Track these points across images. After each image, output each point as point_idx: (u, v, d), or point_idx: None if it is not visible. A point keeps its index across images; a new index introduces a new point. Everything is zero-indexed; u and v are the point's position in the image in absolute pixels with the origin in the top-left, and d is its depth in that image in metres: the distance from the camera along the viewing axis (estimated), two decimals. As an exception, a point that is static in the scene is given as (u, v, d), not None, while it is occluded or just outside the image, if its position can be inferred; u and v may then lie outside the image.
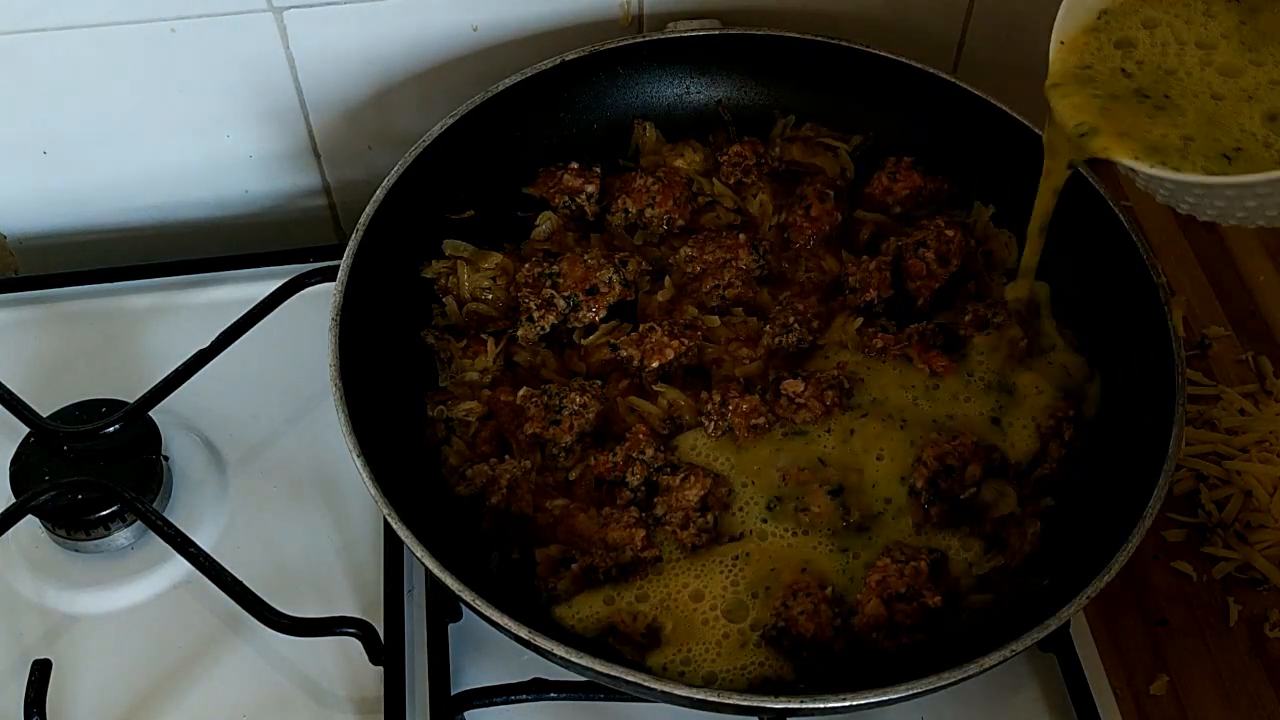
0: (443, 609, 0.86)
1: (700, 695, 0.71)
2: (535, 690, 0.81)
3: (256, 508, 0.93)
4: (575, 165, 0.97)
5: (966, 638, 0.76)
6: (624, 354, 0.88)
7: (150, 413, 0.92)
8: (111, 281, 1.05)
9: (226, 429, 0.97)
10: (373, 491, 0.75)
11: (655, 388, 0.87)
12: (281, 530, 0.92)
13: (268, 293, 0.98)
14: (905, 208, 0.96)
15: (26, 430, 0.91)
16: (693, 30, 1.00)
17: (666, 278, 0.92)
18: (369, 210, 0.88)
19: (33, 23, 0.94)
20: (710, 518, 0.81)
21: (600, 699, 0.82)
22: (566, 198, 0.96)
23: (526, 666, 0.82)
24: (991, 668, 0.71)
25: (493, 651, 0.86)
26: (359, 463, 0.76)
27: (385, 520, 0.77)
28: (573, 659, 0.71)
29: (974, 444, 0.83)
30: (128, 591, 0.89)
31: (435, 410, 0.87)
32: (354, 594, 0.89)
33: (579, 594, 0.79)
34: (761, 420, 0.84)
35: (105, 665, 0.85)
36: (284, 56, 0.99)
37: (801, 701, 0.70)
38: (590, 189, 0.96)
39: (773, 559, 0.80)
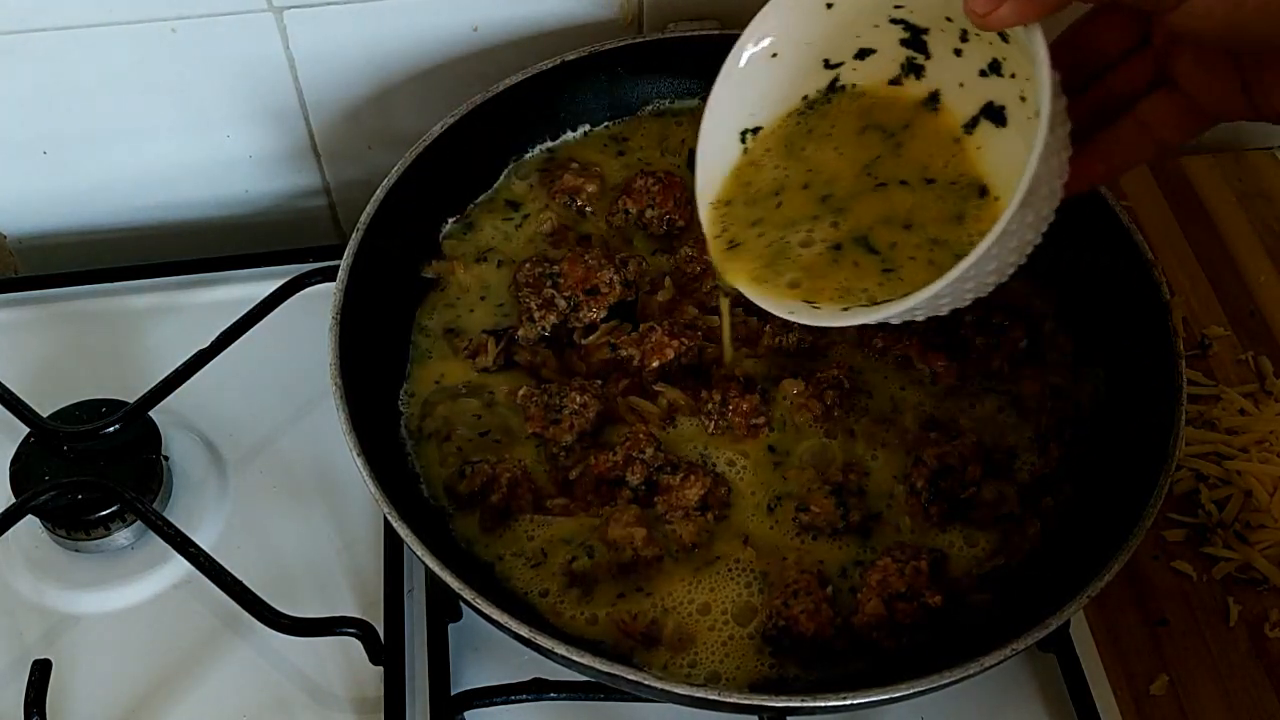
0: (443, 609, 0.86)
1: (701, 694, 0.71)
2: (535, 690, 0.81)
3: (256, 508, 0.93)
4: (575, 165, 0.97)
5: (966, 637, 0.76)
6: (624, 354, 0.88)
7: (150, 413, 0.92)
8: (111, 281, 1.05)
9: (226, 429, 0.97)
10: (373, 490, 0.75)
11: (655, 387, 0.87)
12: (281, 530, 0.92)
13: (268, 293, 0.98)
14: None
15: (26, 430, 0.91)
16: (693, 30, 1.00)
17: (666, 278, 0.92)
18: (369, 210, 0.88)
19: (33, 23, 0.94)
20: (710, 517, 0.81)
21: (600, 699, 0.82)
22: (566, 197, 0.96)
23: (526, 666, 0.82)
24: (991, 667, 0.71)
25: (493, 651, 0.86)
26: (359, 462, 0.76)
27: (385, 520, 0.77)
28: (573, 657, 0.71)
29: (974, 444, 0.83)
30: (128, 591, 0.89)
31: (435, 410, 0.87)
32: (354, 594, 0.89)
33: (574, 590, 0.79)
34: (761, 420, 0.84)
35: (105, 665, 0.85)
36: (284, 56, 1.00)
37: (802, 700, 0.70)
38: (591, 189, 0.96)
39: (773, 558, 0.80)
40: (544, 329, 0.89)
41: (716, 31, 1.00)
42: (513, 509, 0.82)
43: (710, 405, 0.85)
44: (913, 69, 0.77)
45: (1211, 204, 1.13)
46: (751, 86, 0.77)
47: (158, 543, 0.87)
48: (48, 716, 0.79)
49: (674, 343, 0.87)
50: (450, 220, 0.96)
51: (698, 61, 1.00)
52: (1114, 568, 0.73)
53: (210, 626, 0.87)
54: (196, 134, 1.05)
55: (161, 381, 0.93)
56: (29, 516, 0.88)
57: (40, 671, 0.80)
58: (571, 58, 0.97)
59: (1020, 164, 0.63)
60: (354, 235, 0.87)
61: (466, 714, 0.83)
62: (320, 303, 0.87)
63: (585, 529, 0.81)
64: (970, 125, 0.76)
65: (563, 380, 0.87)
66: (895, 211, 0.75)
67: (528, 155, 0.99)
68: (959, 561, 0.81)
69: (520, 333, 0.90)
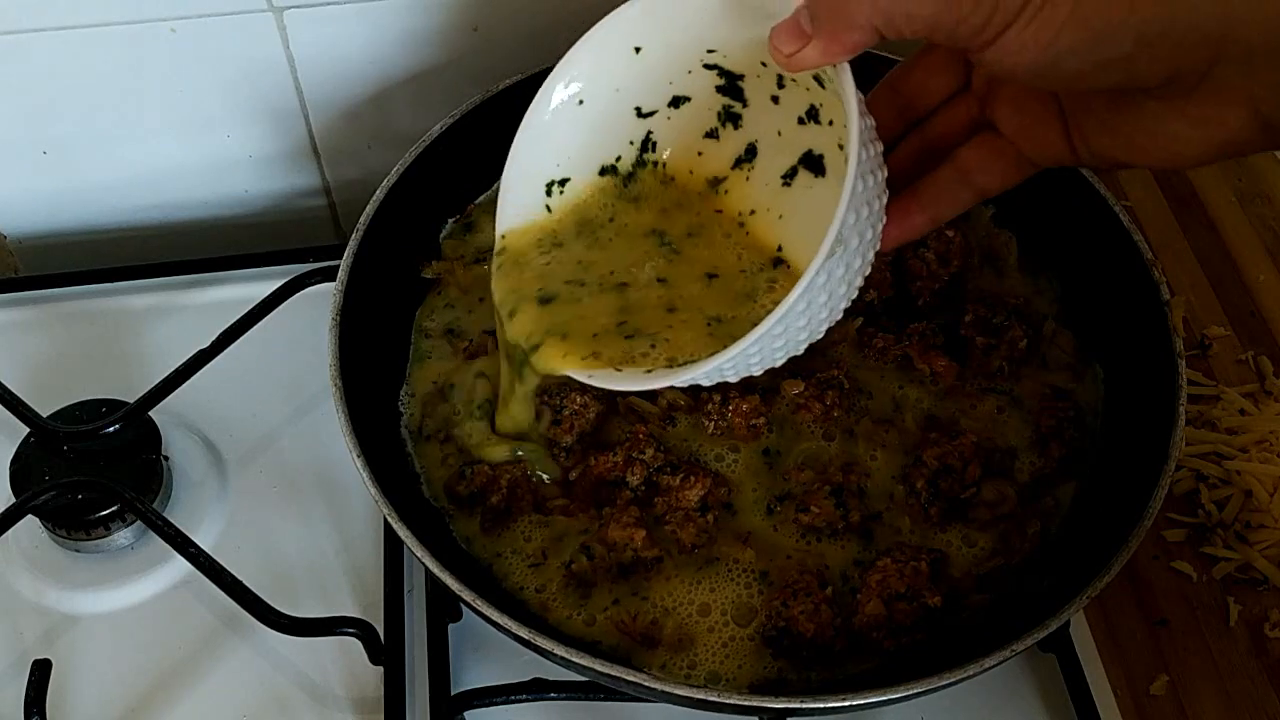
0: (443, 609, 0.86)
1: (700, 695, 0.71)
2: (535, 690, 0.81)
3: (256, 508, 0.93)
4: (575, 165, 0.97)
5: (966, 638, 0.76)
6: (624, 354, 0.88)
7: (150, 413, 0.92)
8: (111, 281, 1.05)
9: (226, 429, 0.97)
10: (373, 491, 0.75)
11: (655, 387, 0.87)
12: (281, 530, 0.92)
13: (268, 293, 0.98)
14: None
15: (26, 430, 0.91)
16: (693, 30, 1.00)
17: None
18: (369, 210, 0.88)
19: (32, 23, 0.94)
20: (710, 518, 0.81)
21: (600, 699, 0.82)
22: (566, 198, 0.96)
23: (526, 666, 0.82)
24: (991, 668, 0.71)
25: (493, 651, 0.86)
26: (359, 463, 0.76)
27: (385, 520, 0.77)
28: (573, 659, 0.71)
29: (974, 444, 0.83)
30: (128, 591, 0.89)
31: (435, 410, 0.87)
32: (354, 594, 0.89)
33: (574, 590, 0.79)
34: (761, 420, 0.84)
35: (105, 665, 0.86)
36: (284, 56, 0.99)
37: (802, 701, 0.70)
38: (590, 189, 0.96)
39: (773, 559, 0.80)
40: (544, 329, 0.89)
41: (716, 31, 1.00)
42: (513, 510, 0.82)
43: (710, 406, 0.85)
44: (730, 118, 0.75)
45: (1211, 204, 1.13)
46: (558, 135, 0.75)
47: (158, 543, 0.87)
48: (48, 716, 0.79)
49: (674, 343, 0.87)
50: (450, 220, 0.96)
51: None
52: (1114, 568, 0.73)
53: (210, 626, 0.87)
54: (196, 134, 1.05)
55: (161, 381, 0.93)
56: (29, 516, 0.88)
57: (40, 671, 0.80)
58: (572, 57, 0.97)
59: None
60: (354, 235, 0.87)
61: (466, 714, 0.83)
62: (320, 303, 0.87)
63: (585, 530, 0.81)
64: (789, 176, 0.74)
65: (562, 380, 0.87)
66: (644, 303, 0.73)
67: (528, 155, 0.99)
68: (959, 562, 0.81)
69: (520, 333, 0.89)
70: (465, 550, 0.82)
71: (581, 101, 0.74)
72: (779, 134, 0.74)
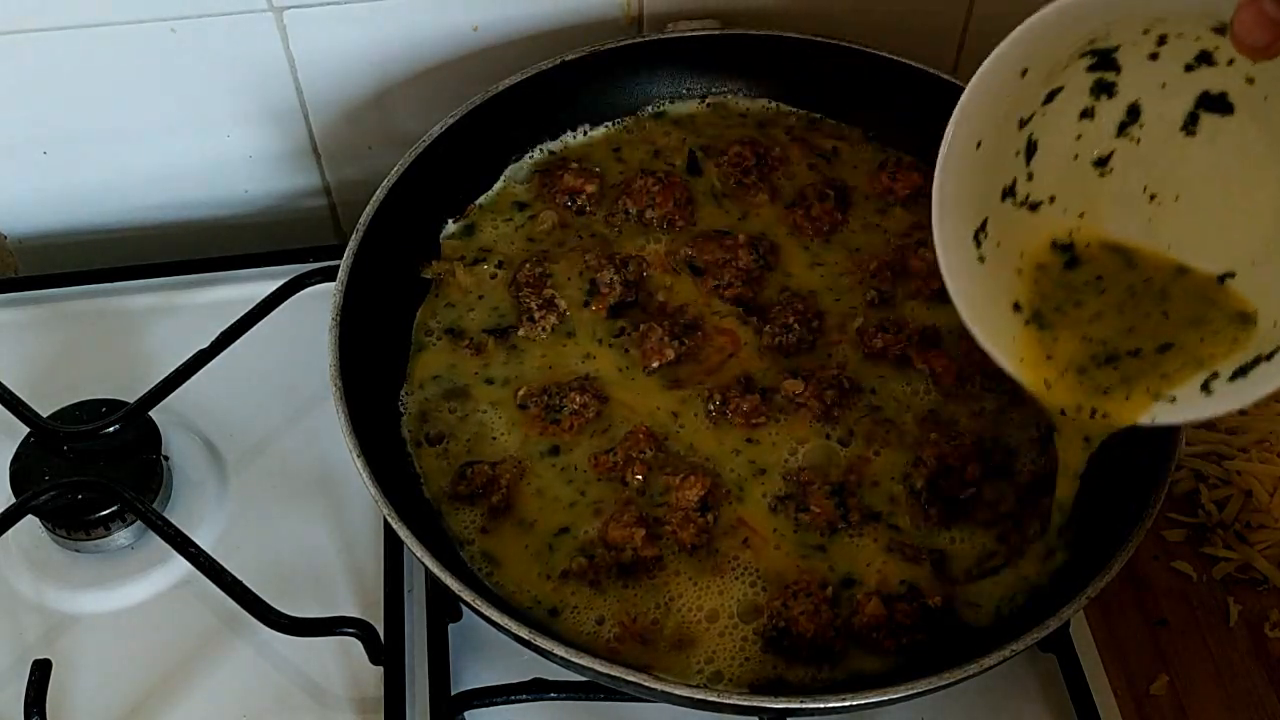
0: (443, 609, 0.86)
1: (700, 695, 0.71)
2: (535, 690, 0.81)
3: (256, 508, 0.93)
4: (575, 165, 0.97)
5: (966, 637, 0.76)
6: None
7: (150, 413, 0.92)
8: (111, 281, 1.05)
9: (226, 429, 0.97)
10: (373, 491, 0.76)
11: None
12: (281, 530, 0.92)
13: (268, 293, 0.98)
14: (906, 207, 0.96)
15: (26, 430, 0.91)
16: (693, 30, 1.00)
17: (667, 275, 0.92)
18: (369, 210, 0.88)
19: (33, 23, 0.94)
20: (710, 518, 0.81)
21: (600, 699, 0.82)
22: (566, 198, 0.96)
23: (526, 666, 0.82)
24: (991, 668, 0.71)
25: (493, 651, 0.86)
26: (359, 463, 0.76)
27: (385, 520, 0.77)
28: (573, 659, 0.71)
29: (974, 444, 0.83)
30: (128, 591, 0.89)
31: (435, 410, 0.87)
32: (354, 594, 0.89)
33: (575, 591, 0.79)
34: (762, 420, 0.84)
35: (105, 665, 0.86)
36: (284, 56, 1.00)
37: (801, 702, 0.71)
38: (590, 189, 0.96)
39: (772, 559, 0.80)
40: (544, 329, 0.89)
41: (717, 31, 1.00)
42: (513, 508, 0.82)
43: (711, 405, 0.85)
44: (1103, 89, 0.72)
45: (1212, 204, 1.12)
46: (966, 183, 0.72)
47: (158, 543, 0.87)
48: (48, 716, 0.79)
49: (674, 343, 0.87)
50: (451, 221, 0.96)
51: (697, 61, 1.01)
52: (1114, 568, 0.73)
53: (210, 626, 0.87)
54: (196, 134, 1.05)
55: (161, 381, 0.93)
56: (29, 516, 0.88)
57: (40, 671, 0.80)
58: (571, 58, 0.97)
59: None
60: (354, 235, 0.87)
61: (466, 714, 0.83)
62: (320, 303, 0.87)
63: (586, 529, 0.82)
64: (1189, 123, 0.71)
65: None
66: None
67: (528, 156, 0.99)
68: (959, 561, 0.81)
69: (521, 333, 0.90)
70: (465, 549, 0.82)
71: (979, 144, 0.71)
72: (1163, 86, 0.71)
